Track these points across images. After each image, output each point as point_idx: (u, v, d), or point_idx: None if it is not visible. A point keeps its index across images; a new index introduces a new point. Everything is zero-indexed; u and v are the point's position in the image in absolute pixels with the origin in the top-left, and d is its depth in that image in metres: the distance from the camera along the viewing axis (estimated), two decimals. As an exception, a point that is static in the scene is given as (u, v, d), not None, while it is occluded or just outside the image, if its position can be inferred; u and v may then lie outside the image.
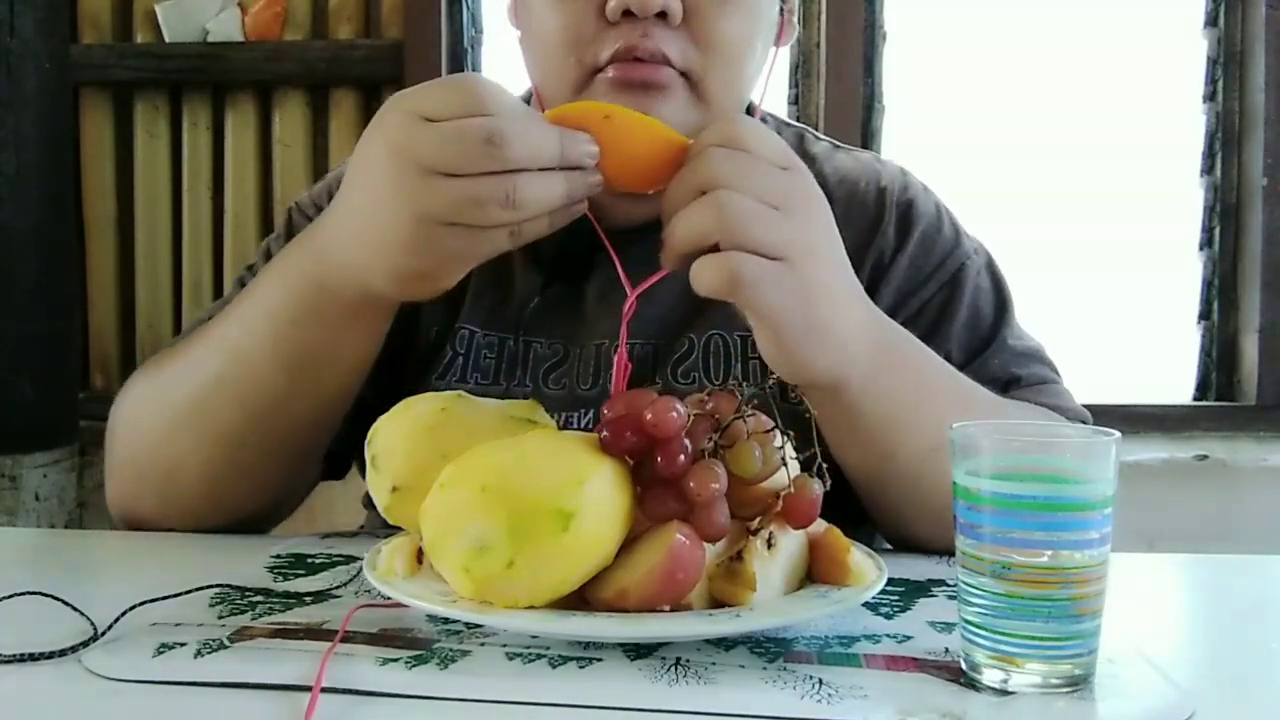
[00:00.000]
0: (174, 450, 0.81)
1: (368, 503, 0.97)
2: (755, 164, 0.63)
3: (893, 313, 0.81)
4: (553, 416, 0.84)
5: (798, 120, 2.07)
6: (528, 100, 0.97)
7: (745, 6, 0.82)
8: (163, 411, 0.81)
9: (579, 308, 0.90)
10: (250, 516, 0.85)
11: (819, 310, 0.65)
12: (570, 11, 0.80)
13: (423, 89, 0.64)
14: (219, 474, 0.81)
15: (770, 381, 0.62)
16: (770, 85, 0.91)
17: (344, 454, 0.91)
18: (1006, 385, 0.87)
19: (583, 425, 0.86)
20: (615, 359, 0.85)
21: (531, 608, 0.55)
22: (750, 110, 0.93)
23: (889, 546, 0.85)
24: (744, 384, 0.61)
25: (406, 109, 0.63)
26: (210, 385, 0.78)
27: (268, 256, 0.93)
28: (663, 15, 0.78)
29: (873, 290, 0.86)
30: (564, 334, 0.90)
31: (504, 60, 2.12)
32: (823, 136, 1.01)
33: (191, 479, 0.81)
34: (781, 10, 0.89)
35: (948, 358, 0.83)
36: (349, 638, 0.56)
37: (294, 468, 0.84)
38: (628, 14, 0.78)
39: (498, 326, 0.90)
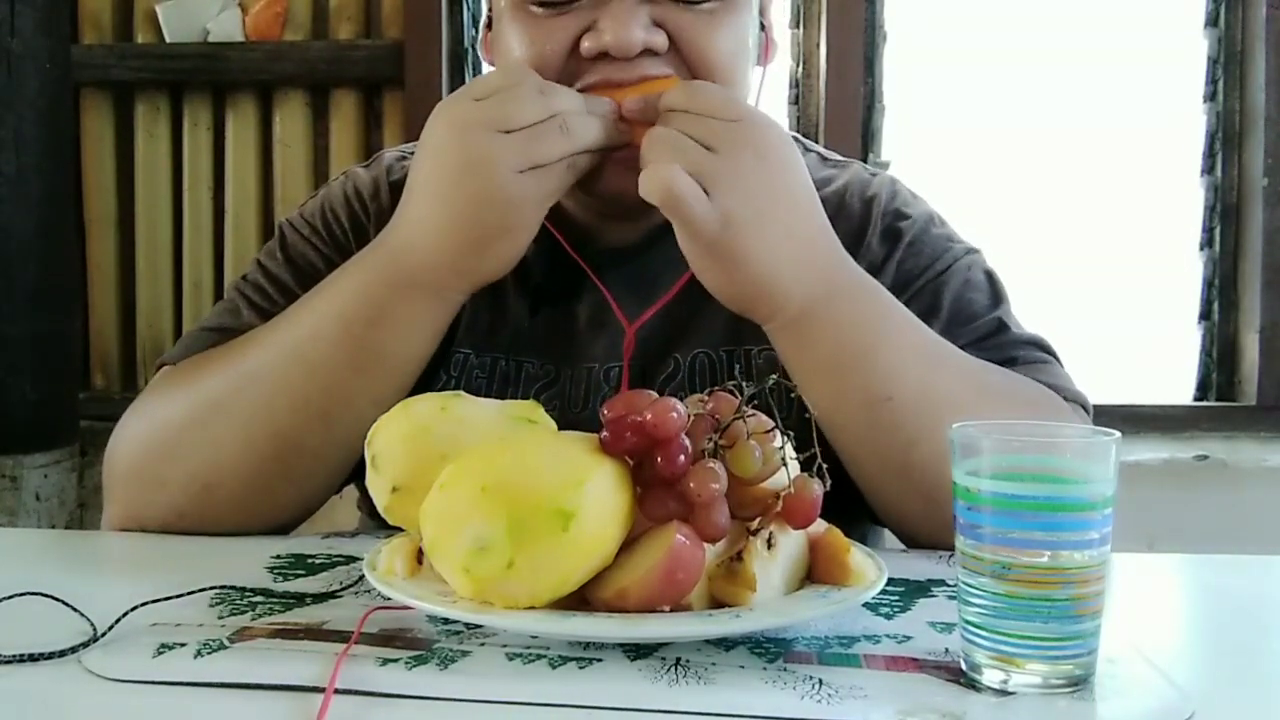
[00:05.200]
0: (218, 462, 0.81)
1: (361, 506, 0.97)
2: (697, 118, 0.73)
3: None
4: None
5: (798, 121, 2.09)
6: None
7: (732, 30, 0.82)
8: (211, 421, 0.81)
9: (571, 330, 0.91)
10: (275, 529, 0.84)
11: (742, 240, 0.72)
12: (543, 50, 0.81)
13: (465, 87, 0.77)
14: (265, 483, 0.81)
15: (770, 381, 0.62)
16: (762, 101, 0.91)
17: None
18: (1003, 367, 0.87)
19: None
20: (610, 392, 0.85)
21: (531, 608, 0.55)
22: None
23: (889, 547, 0.85)
24: (744, 384, 0.61)
25: (458, 96, 0.76)
26: (270, 390, 0.80)
27: (261, 269, 0.94)
28: (646, 53, 0.79)
29: None
30: (556, 356, 0.90)
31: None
32: (814, 146, 1.00)
33: (233, 490, 0.81)
34: (763, 27, 0.89)
35: None
36: (348, 638, 0.56)
37: (337, 473, 0.85)
38: (605, 54, 0.79)
39: (491, 349, 0.91)
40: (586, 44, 0.79)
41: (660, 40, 0.79)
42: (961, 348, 0.87)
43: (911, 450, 0.76)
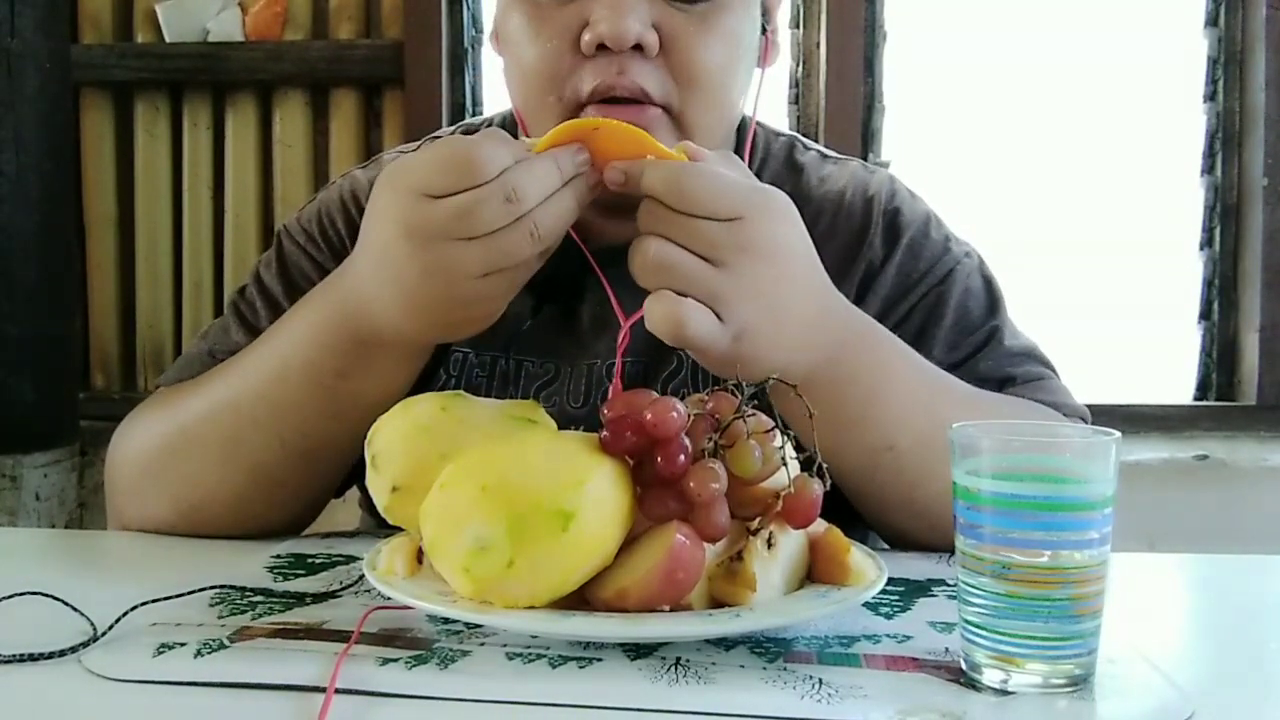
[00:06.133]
0: (199, 488, 0.82)
1: (362, 505, 0.97)
2: (691, 223, 0.65)
3: (880, 319, 0.81)
4: None
5: (798, 121, 2.09)
6: (508, 119, 0.97)
7: (724, 35, 0.81)
8: (189, 453, 0.82)
9: (574, 329, 0.90)
10: (275, 533, 0.85)
11: (754, 347, 0.67)
12: (546, 46, 0.80)
13: (416, 166, 0.67)
14: (249, 508, 0.82)
15: (769, 381, 0.62)
16: (764, 99, 0.90)
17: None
18: (1001, 385, 0.87)
19: None
20: (609, 387, 0.85)
21: (531, 608, 0.55)
22: (743, 125, 0.93)
23: (887, 546, 0.85)
24: (744, 383, 0.61)
25: (408, 189, 0.66)
26: (242, 427, 0.80)
27: (256, 282, 0.94)
28: (639, 48, 0.78)
29: (861, 299, 0.87)
30: (557, 354, 0.90)
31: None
32: (813, 145, 1.00)
33: (219, 512, 0.82)
34: (765, 29, 0.88)
35: (935, 361, 0.83)
36: (348, 638, 0.56)
37: (325, 493, 0.87)
38: (604, 48, 0.77)
39: (491, 347, 0.90)
40: (586, 37, 0.78)
41: (652, 39, 0.78)
42: (962, 359, 0.87)
43: (915, 491, 0.76)
